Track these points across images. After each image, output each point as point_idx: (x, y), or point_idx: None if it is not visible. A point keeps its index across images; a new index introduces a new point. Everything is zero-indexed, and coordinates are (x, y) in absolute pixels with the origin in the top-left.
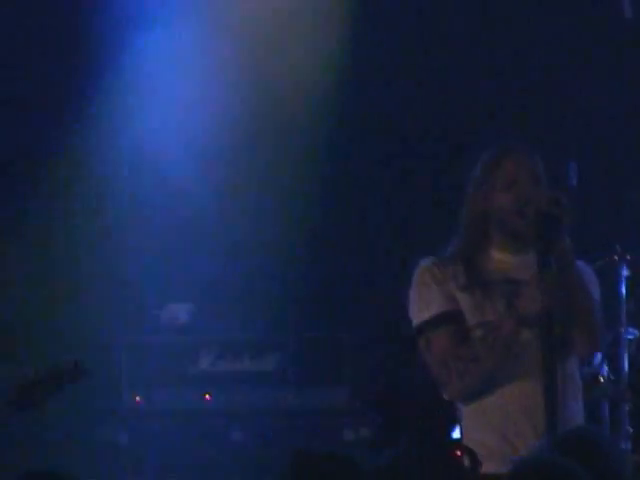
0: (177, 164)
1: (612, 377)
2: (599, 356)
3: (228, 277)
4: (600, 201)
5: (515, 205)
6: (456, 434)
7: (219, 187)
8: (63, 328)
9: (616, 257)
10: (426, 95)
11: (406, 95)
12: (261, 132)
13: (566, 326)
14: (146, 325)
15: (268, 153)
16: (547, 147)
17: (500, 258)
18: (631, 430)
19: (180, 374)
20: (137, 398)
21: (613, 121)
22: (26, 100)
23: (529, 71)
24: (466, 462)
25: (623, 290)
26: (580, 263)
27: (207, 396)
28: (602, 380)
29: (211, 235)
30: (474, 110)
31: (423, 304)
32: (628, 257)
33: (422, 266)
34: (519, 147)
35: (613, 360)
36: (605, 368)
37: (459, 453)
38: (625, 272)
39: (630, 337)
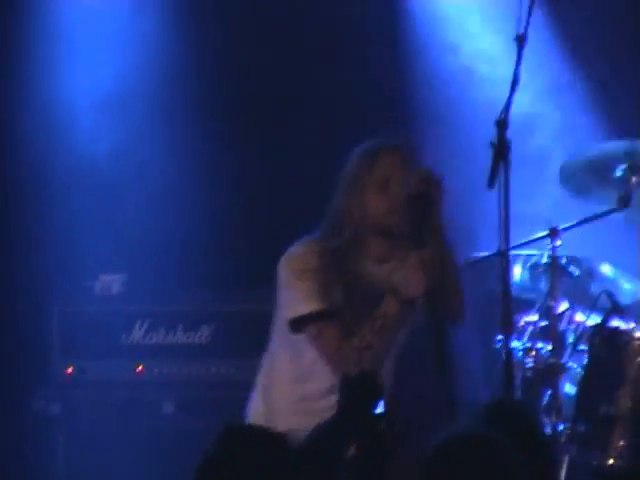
0: (105, 128)
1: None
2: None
3: (162, 248)
4: None
5: (388, 205)
6: (379, 408)
7: (154, 151)
8: None
9: None
10: None
11: None
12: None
13: (441, 299)
14: (79, 295)
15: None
16: None
17: (374, 270)
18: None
19: (113, 345)
20: (69, 369)
21: None
22: None
23: None
24: (389, 437)
25: None
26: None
27: (140, 367)
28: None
29: (146, 205)
30: None
31: (308, 294)
32: None
33: (299, 250)
34: (395, 144)
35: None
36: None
37: (382, 427)
38: None
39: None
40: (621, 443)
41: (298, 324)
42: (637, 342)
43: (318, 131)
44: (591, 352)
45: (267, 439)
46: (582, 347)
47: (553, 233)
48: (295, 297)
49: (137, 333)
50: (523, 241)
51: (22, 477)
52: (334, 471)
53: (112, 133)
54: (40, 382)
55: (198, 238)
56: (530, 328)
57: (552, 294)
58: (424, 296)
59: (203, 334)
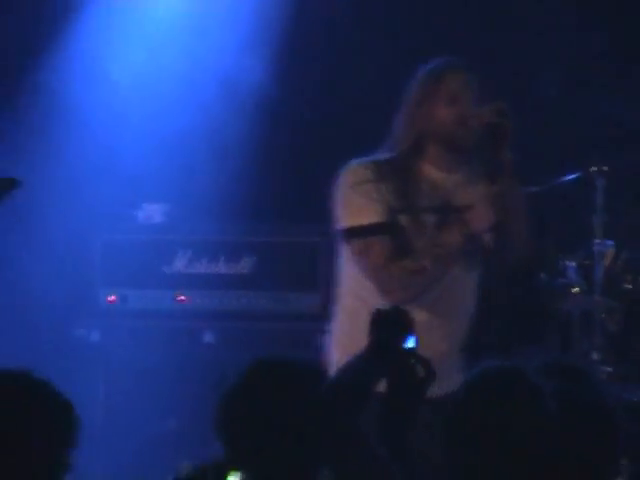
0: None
1: (585, 288)
2: (573, 266)
3: (205, 179)
4: (578, 111)
5: (458, 118)
6: (410, 343)
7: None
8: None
9: (593, 168)
10: None
11: None
12: None
13: (501, 237)
14: (122, 224)
15: None
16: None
17: (435, 178)
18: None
19: (154, 274)
20: (112, 297)
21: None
22: None
23: None
24: (420, 372)
25: (598, 201)
26: None
27: (181, 297)
28: (575, 291)
29: (191, 134)
30: None
31: (360, 206)
32: (605, 168)
33: (355, 166)
34: (459, 63)
35: (587, 271)
36: (578, 279)
37: (413, 362)
38: (601, 183)
39: (604, 249)
40: None
41: (347, 237)
42: None
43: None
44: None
45: (296, 372)
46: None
47: None
48: (347, 210)
49: (179, 263)
50: None
51: None
52: (364, 406)
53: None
54: (83, 310)
55: (242, 169)
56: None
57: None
58: (490, 232)
59: (245, 265)
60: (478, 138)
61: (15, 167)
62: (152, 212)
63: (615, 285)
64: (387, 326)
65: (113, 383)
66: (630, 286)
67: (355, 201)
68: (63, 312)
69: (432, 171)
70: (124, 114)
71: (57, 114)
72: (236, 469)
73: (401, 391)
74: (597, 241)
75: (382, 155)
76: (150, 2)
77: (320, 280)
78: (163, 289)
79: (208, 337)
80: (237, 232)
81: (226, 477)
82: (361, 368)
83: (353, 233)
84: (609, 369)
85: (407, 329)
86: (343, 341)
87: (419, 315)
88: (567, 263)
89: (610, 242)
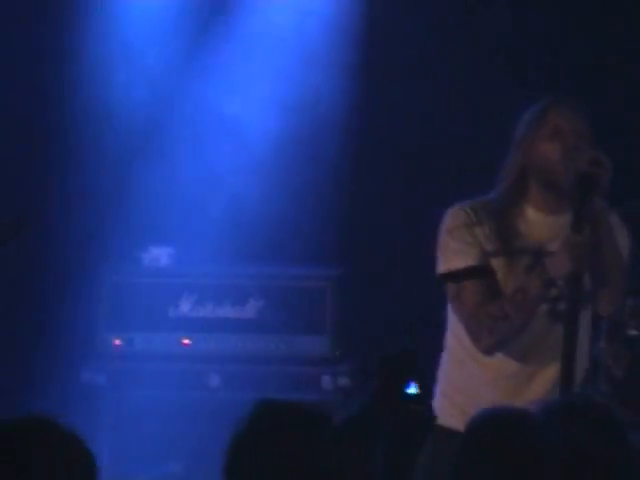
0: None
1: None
2: None
3: (212, 221)
4: None
5: (559, 154)
6: (412, 389)
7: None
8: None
9: None
10: None
11: None
12: None
13: (592, 287)
14: (128, 267)
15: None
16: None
17: (535, 219)
18: None
19: (160, 318)
20: (117, 340)
21: None
22: None
23: None
24: (422, 417)
25: None
26: (614, 220)
27: (186, 341)
28: None
29: (198, 177)
30: None
31: (455, 251)
32: None
33: (454, 210)
34: (566, 100)
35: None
36: None
37: (414, 408)
38: None
39: None
40: None
41: (443, 282)
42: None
43: None
44: None
45: (300, 416)
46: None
47: None
48: (443, 254)
49: (184, 306)
50: None
51: None
52: (368, 451)
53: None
54: (88, 353)
55: (249, 211)
56: None
57: None
58: (567, 281)
59: (251, 308)
60: (571, 184)
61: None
62: (158, 255)
63: (620, 331)
64: (391, 371)
65: (119, 427)
66: (635, 332)
67: (450, 246)
68: (69, 355)
69: (532, 212)
70: (134, 154)
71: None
72: None
73: (402, 436)
74: None
75: (483, 197)
76: None
77: (328, 324)
78: (169, 332)
79: (214, 381)
80: (243, 275)
81: None
82: (366, 414)
83: (447, 278)
84: None
85: (410, 374)
86: (448, 386)
87: (509, 365)
88: None
89: None
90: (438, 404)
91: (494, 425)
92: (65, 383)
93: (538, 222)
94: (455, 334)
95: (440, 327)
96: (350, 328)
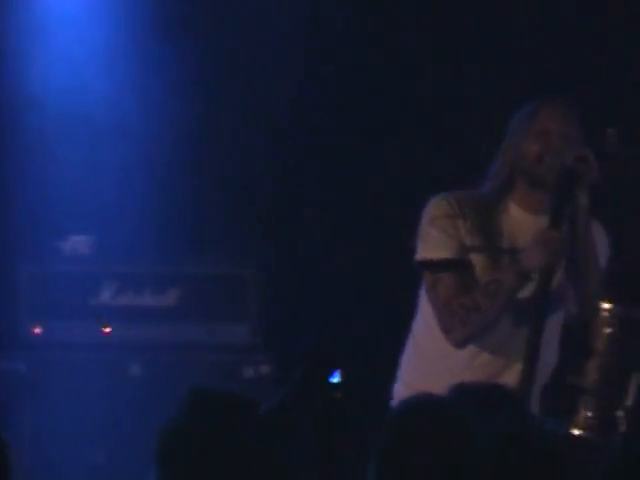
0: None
1: None
2: None
3: (133, 210)
4: None
5: (539, 153)
6: (336, 378)
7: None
8: None
9: None
10: None
11: None
12: None
13: (565, 286)
14: (48, 256)
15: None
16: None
17: (518, 218)
18: None
19: (80, 306)
20: (37, 329)
21: None
22: None
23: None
24: (346, 406)
25: None
26: (595, 226)
27: (107, 329)
28: None
29: (119, 166)
30: None
31: (435, 240)
32: None
33: (438, 199)
34: (558, 100)
35: None
36: None
37: (338, 397)
38: None
39: None
40: (588, 415)
41: (420, 270)
42: (605, 314)
43: None
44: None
45: (231, 405)
46: None
47: None
48: (423, 242)
49: (105, 294)
50: None
51: None
52: (291, 441)
53: (94, 91)
54: (8, 342)
55: (169, 200)
56: None
57: None
58: (540, 275)
59: (172, 297)
60: (556, 179)
61: None
62: (78, 243)
63: None
64: (314, 360)
65: (40, 416)
66: None
67: (430, 234)
68: None
69: (516, 210)
70: (52, 141)
71: None
72: None
73: (326, 425)
74: None
75: (470, 191)
76: None
77: (249, 312)
78: (89, 321)
79: (134, 369)
80: (164, 264)
81: None
82: (289, 402)
83: (424, 266)
84: None
85: (334, 363)
86: (410, 375)
87: (477, 359)
88: None
89: None
90: (397, 392)
91: (418, 412)
92: None
93: (521, 221)
94: (427, 322)
95: (362, 315)
96: (272, 316)
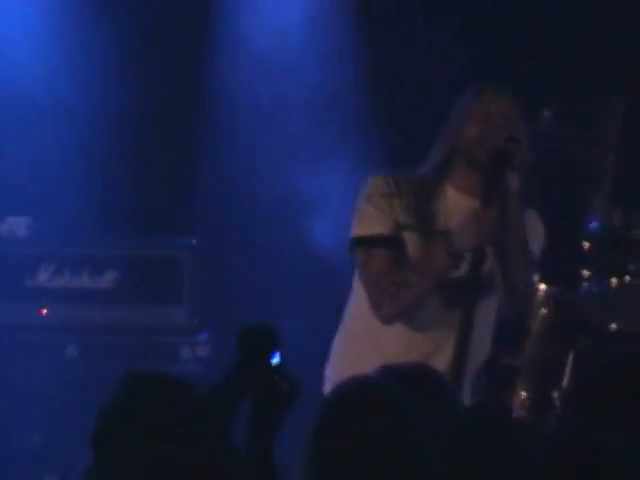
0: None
1: None
2: None
3: (70, 191)
4: None
5: (479, 136)
6: (276, 359)
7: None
8: None
9: None
10: None
11: None
12: None
13: (496, 268)
14: None
15: None
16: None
17: (454, 199)
18: None
19: (18, 288)
20: None
21: None
22: None
23: None
24: (285, 388)
25: None
26: (529, 211)
27: (44, 310)
28: None
29: (55, 145)
30: None
31: (369, 217)
32: None
33: (376, 177)
34: (498, 85)
35: None
36: None
37: (277, 378)
38: None
39: None
40: (523, 395)
41: (353, 246)
42: (540, 295)
43: None
44: None
45: (168, 386)
46: None
47: None
48: (358, 219)
49: (42, 276)
50: None
51: None
52: (230, 422)
53: (29, 71)
54: None
55: (107, 182)
56: None
57: None
58: (471, 255)
59: (109, 279)
60: (486, 160)
61: None
62: (16, 225)
63: None
64: (254, 342)
65: None
66: None
67: (366, 211)
68: None
69: (454, 193)
70: None
71: None
72: None
73: (266, 406)
74: None
75: (407, 171)
76: None
77: (185, 294)
78: (26, 303)
79: (71, 351)
80: (101, 246)
81: None
82: (229, 383)
83: (357, 242)
84: None
85: (273, 345)
86: (339, 360)
87: (408, 342)
88: None
89: None
90: (328, 376)
91: (355, 393)
92: None
93: (458, 203)
94: (359, 304)
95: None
96: (208, 298)
